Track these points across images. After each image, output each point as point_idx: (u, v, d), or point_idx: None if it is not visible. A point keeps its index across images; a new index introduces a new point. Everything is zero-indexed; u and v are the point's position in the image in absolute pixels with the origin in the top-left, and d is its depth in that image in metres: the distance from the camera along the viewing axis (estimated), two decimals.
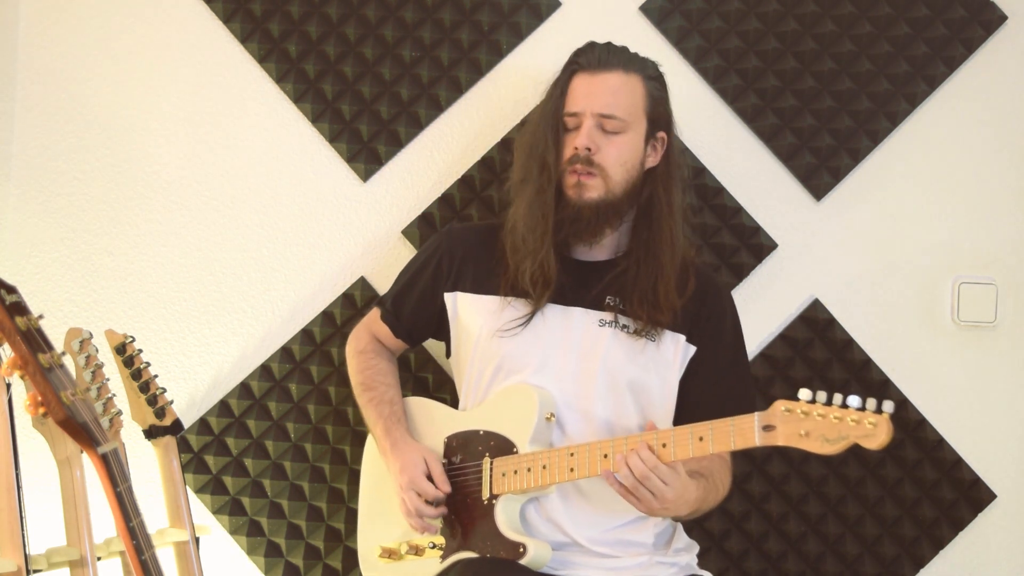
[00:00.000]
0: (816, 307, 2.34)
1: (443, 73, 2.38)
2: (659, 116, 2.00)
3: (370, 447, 2.14)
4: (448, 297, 2.05)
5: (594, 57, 1.97)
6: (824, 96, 2.34)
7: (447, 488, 1.94)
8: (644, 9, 2.37)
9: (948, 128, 2.35)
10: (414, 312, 2.10)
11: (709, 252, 2.33)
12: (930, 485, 2.32)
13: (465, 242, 2.08)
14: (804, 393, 1.66)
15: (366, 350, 2.15)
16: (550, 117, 1.97)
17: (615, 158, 1.95)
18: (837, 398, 1.64)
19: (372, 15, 2.39)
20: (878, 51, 2.34)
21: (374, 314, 2.16)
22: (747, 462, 2.33)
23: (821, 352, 2.33)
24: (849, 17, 2.34)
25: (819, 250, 2.36)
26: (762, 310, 2.35)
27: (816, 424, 1.64)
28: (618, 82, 1.96)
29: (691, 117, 2.36)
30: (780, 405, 1.68)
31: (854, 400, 1.63)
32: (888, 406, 1.61)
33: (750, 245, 2.34)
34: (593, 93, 1.95)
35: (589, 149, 1.93)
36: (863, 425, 1.61)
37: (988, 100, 2.34)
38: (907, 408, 2.32)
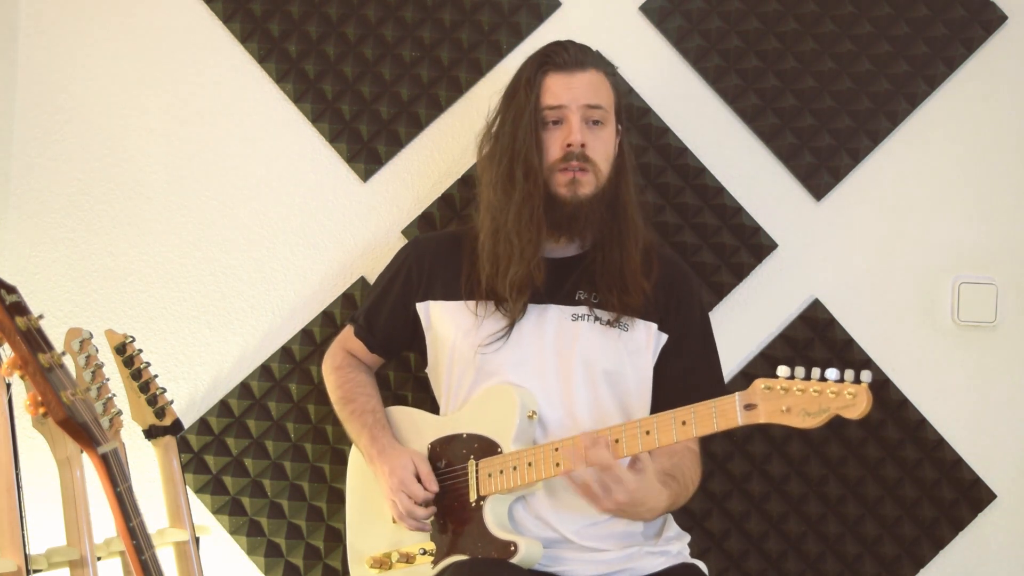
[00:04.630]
0: (816, 307, 2.34)
1: (443, 73, 2.38)
2: (620, 110, 2.03)
3: (354, 460, 2.15)
4: (420, 307, 2.06)
5: (569, 57, 1.97)
6: (824, 96, 2.34)
7: (435, 488, 1.94)
8: (644, 9, 2.37)
9: (948, 128, 2.35)
10: (387, 325, 2.11)
11: (709, 252, 2.34)
12: (930, 485, 2.32)
13: (432, 251, 2.09)
14: (783, 370, 1.67)
15: (343, 366, 2.15)
16: (528, 116, 1.94)
17: (602, 152, 1.97)
18: (815, 372, 1.65)
19: (372, 15, 2.39)
20: (878, 51, 2.34)
21: (347, 331, 2.17)
22: (747, 462, 2.33)
23: (821, 352, 2.33)
24: (849, 17, 2.34)
25: (819, 250, 2.36)
26: (762, 310, 2.35)
27: (796, 399, 1.65)
28: (596, 78, 1.98)
29: (691, 117, 2.36)
30: (760, 383, 1.69)
31: (832, 373, 1.64)
32: (866, 375, 1.62)
33: (750, 245, 2.34)
34: (575, 88, 1.95)
35: (583, 144, 1.93)
36: (843, 396, 1.62)
37: (988, 100, 2.34)
38: (907, 408, 2.32)
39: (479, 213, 2.04)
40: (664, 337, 2.01)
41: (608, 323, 1.97)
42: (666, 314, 2.01)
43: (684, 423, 1.74)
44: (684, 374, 2.00)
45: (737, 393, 1.71)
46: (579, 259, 2.02)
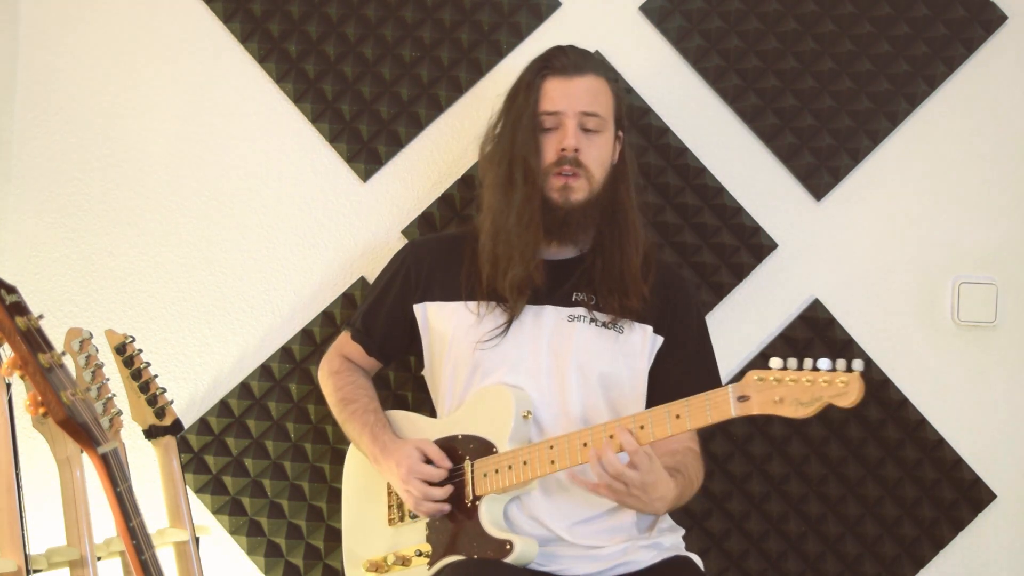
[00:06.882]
0: (816, 307, 2.34)
1: (443, 73, 2.38)
2: (620, 116, 2.04)
3: (350, 463, 2.15)
4: (418, 308, 2.07)
5: (568, 61, 1.99)
6: (824, 96, 2.34)
7: (447, 463, 1.95)
8: (644, 9, 2.37)
9: (948, 128, 2.35)
10: (385, 328, 2.11)
11: (709, 252, 2.34)
12: (930, 485, 2.32)
13: (430, 253, 2.10)
14: (775, 361, 1.69)
15: (340, 370, 2.15)
16: (527, 120, 1.97)
17: (596, 158, 1.98)
18: (808, 363, 1.67)
19: (372, 15, 2.39)
20: (878, 51, 2.34)
21: (344, 337, 2.17)
22: (747, 462, 2.33)
23: (821, 352, 2.32)
24: (849, 17, 2.34)
25: (819, 250, 2.36)
26: (762, 310, 2.35)
27: (789, 389, 1.66)
28: (595, 84, 1.99)
29: (691, 117, 2.36)
30: (753, 375, 1.70)
31: (824, 363, 1.65)
32: (857, 364, 1.63)
33: (750, 245, 2.34)
34: (572, 94, 1.96)
35: (577, 150, 1.95)
36: (835, 385, 1.63)
37: (988, 100, 2.34)
38: (907, 408, 2.32)
39: (480, 214, 2.06)
40: (659, 340, 2.01)
41: (604, 325, 1.98)
42: (662, 317, 2.02)
43: (678, 416, 1.75)
44: (680, 378, 2.00)
45: (730, 385, 1.72)
46: (577, 261, 2.03)
